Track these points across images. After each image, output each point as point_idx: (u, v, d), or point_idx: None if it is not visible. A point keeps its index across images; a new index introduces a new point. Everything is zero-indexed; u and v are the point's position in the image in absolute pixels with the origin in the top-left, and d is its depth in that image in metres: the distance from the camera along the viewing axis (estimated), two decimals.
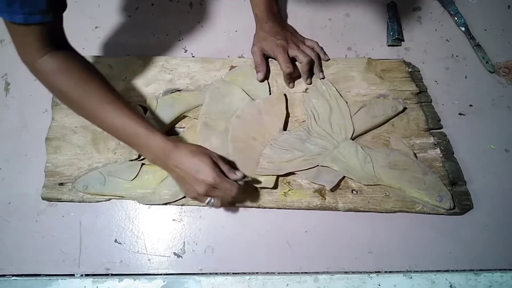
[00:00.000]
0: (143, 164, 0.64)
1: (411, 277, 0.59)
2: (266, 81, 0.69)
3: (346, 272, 0.60)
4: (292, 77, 0.69)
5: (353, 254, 0.61)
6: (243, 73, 0.69)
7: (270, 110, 0.65)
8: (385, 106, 0.66)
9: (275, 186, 0.62)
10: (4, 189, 0.64)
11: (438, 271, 0.60)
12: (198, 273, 0.60)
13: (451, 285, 0.59)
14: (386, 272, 0.60)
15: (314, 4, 0.77)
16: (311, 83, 0.69)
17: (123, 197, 0.62)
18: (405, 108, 0.66)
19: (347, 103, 0.66)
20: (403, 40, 0.74)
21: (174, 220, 0.63)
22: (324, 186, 0.61)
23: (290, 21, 0.76)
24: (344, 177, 0.62)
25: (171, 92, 0.68)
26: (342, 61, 0.71)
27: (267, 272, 0.60)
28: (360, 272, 0.60)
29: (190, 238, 0.62)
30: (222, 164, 0.55)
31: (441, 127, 0.67)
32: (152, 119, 0.65)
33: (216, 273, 0.60)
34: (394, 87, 0.68)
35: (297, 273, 0.60)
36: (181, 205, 0.63)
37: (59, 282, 0.59)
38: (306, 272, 0.60)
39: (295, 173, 0.63)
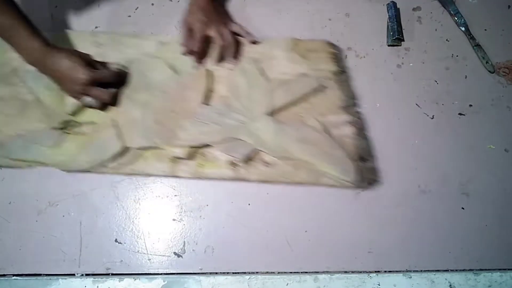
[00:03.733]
0: (65, 132, 0.65)
1: (411, 277, 0.59)
2: (192, 56, 0.70)
3: (346, 272, 0.60)
4: (199, 57, 0.69)
5: (353, 254, 0.61)
6: (171, 48, 0.71)
7: (192, 85, 0.67)
8: (303, 83, 0.67)
9: (191, 157, 0.63)
10: (4, 189, 0.64)
11: (438, 270, 0.60)
12: (198, 273, 0.60)
13: (450, 285, 0.59)
14: (385, 271, 0.60)
15: (314, 4, 0.77)
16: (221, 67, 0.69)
17: (45, 163, 0.64)
18: (323, 86, 0.68)
19: (267, 80, 0.68)
20: (403, 40, 0.74)
21: (174, 220, 0.63)
22: (237, 158, 0.63)
23: (290, 21, 0.76)
24: (257, 150, 0.63)
25: None
26: (268, 41, 0.72)
27: (267, 272, 0.60)
28: (360, 272, 0.60)
29: (190, 238, 0.62)
30: (98, 65, 0.62)
31: (356, 105, 0.68)
32: None
33: (216, 273, 0.60)
34: (315, 66, 0.70)
35: (297, 272, 0.60)
36: (180, 206, 0.63)
37: (59, 282, 0.59)
38: (306, 272, 0.60)
39: (211, 146, 0.64)
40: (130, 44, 0.71)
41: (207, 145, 0.64)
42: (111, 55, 0.70)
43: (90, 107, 0.64)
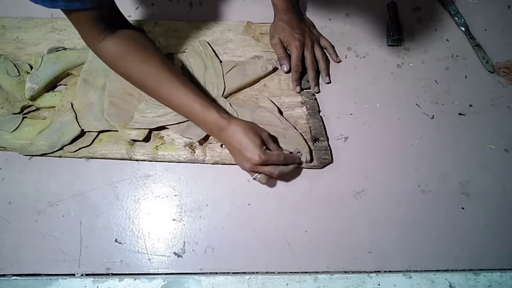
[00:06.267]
0: (25, 117, 0.66)
1: (411, 277, 0.59)
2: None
3: (346, 272, 0.60)
4: (299, 77, 0.69)
5: (353, 254, 0.61)
6: None
7: None
8: (255, 65, 0.69)
9: (147, 140, 0.65)
10: (4, 189, 0.64)
11: (438, 270, 0.60)
12: (198, 273, 0.60)
13: (450, 285, 0.59)
14: (385, 271, 0.60)
15: (314, 4, 0.77)
16: (319, 92, 0.70)
17: (5, 148, 0.65)
18: (276, 68, 0.70)
19: (221, 62, 0.69)
20: (403, 40, 0.74)
21: (174, 220, 0.63)
22: (192, 139, 0.64)
23: None
24: None
25: (56, 50, 0.70)
26: (222, 24, 0.74)
27: (267, 272, 0.60)
28: (360, 272, 0.60)
29: (190, 238, 0.62)
30: (271, 144, 0.59)
31: (309, 88, 0.69)
32: (36, 75, 0.67)
33: (216, 273, 0.60)
34: (268, 49, 0.71)
35: (297, 272, 0.60)
36: (180, 206, 0.63)
37: (59, 282, 0.59)
38: (306, 272, 0.60)
39: (168, 128, 0.65)
40: None
41: (163, 128, 0.65)
42: (70, 41, 0.72)
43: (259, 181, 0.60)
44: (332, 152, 0.66)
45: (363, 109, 0.69)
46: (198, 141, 0.64)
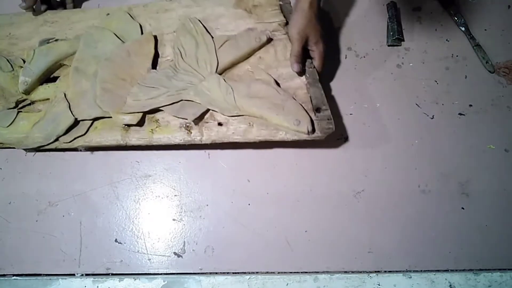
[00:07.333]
0: (19, 111, 0.66)
1: (411, 277, 0.59)
2: (138, 24, 0.70)
3: (346, 272, 0.60)
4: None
5: (353, 254, 0.61)
6: (116, 18, 0.71)
7: (138, 50, 0.67)
8: (249, 37, 0.65)
9: (141, 123, 0.63)
10: (4, 189, 0.64)
11: (438, 270, 0.60)
12: (198, 273, 0.60)
13: (450, 285, 0.59)
14: (385, 271, 0.60)
15: None
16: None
17: (1, 143, 0.65)
18: (270, 39, 0.66)
19: (213, 38, 0.66)
20: (403, 40, 0.74)
21: (174, 220, 0.63)
22: (187, 119, 0.62)
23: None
24: (208, 110, 0.62)
25: (48, 42, 0.70)
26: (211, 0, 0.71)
27: (267, 272, 0.60)
28: (360, 272, 0.60)
29: (190, 238, 0.62)
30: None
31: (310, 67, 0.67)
32: (29, 69, 0.66)
33: (216, 273, 0.60)
34: (262, 20, 0.68)
35: (297, 272, 0.60)
36: (180, 206, 0.63)
37: (59, 282, 0.59)
38: (306, 272, 0.60)
39: (163, 111, 0.63)
40: (76, 19, 0.73)
41: (158, 110, 0.64)
42: (62, 32, 0.72)
43: None
44: (332, 152, 0.65)
45: (363, 109, 0.69)
46: (193, 121, 0.62)
